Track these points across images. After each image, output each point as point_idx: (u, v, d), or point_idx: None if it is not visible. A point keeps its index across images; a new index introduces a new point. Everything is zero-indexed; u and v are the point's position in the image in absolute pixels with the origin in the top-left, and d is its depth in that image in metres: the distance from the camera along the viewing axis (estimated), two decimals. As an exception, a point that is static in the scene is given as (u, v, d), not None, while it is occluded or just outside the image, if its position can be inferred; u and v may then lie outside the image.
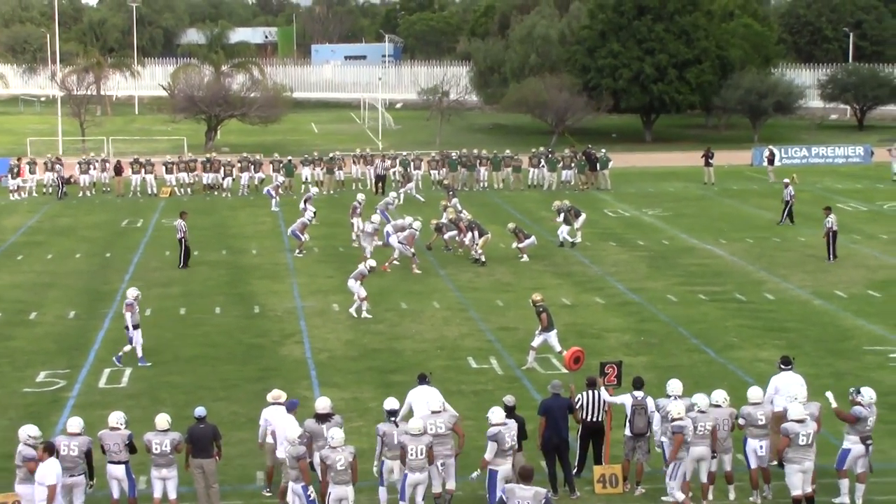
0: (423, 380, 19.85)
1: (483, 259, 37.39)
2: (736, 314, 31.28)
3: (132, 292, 27.17)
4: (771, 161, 60.16)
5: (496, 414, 18.08)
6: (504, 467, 17.78)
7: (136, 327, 26.62)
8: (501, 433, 17.77)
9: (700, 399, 18.62)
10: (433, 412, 18.28)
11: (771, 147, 62.59)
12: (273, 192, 50.06)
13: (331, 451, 17.23)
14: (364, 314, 30.95)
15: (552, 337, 26.04)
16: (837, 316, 31.10)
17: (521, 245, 38.37)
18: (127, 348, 26.63)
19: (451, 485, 18.20)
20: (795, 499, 18.03)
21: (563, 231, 40.49)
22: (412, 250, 36.92)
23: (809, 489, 18.07)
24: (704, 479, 18.50)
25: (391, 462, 18.04)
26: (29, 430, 17.42)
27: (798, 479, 17.96)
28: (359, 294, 31.03)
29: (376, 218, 38.67)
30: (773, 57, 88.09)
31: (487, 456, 17.81)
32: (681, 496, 18.18)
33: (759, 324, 30.19)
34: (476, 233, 38.10)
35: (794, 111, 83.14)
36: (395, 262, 36.89)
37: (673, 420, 18.19)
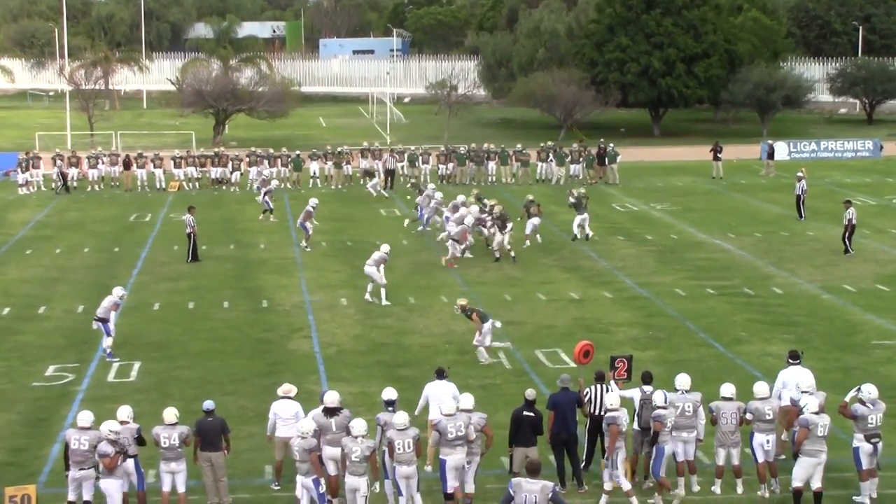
0: (440, 374, 19.92)
1: (499, 256, 37.11)
2: (744, 308, 31.27)
3: (120, 291, 27.60)
4: (771, 156, 59.98)
5: (445, 404, 18.28)
6: (453, 457, 17.79)
7: (104, 321, 26.72)
8: (443, 423, 17.87)
9: (658, 396, 18.68)
10: (447, 415, 18.22)
11: (770, 142, 62.42)
12: (262, 187, 49.75)
13: (351, 440, 17.35)
14: (384, 301, 31.29)
15: (487, 328, 26.02)
16: (846, 310, 31.07)
17: (527, 232, 38.33)
18: (109, 341, 26.76)
19: (469, 488, 18.20)
20: (797, 490, 17.98)
21: (577, 222, 40.54)
22: (461, 247, 36.62)
23: (819, 484, 18.03)
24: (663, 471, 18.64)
25: None
26: (111, 425, 17.46)
27: (807, 472, 17.91)
28: (380, 280, 31.49)
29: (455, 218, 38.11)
30: (781, 51, 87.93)
31: (430, 443, 17.90)
32: (627, 485, 18.24)
33: (768, 318, 30.18)
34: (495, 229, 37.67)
35: (802, 105, 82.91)
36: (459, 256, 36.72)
37: (607, 411, 18.34)
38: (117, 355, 26.70)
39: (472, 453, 18.16)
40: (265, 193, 46.07)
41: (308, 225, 39.43)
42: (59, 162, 54.71)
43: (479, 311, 26.19)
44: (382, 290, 31.74)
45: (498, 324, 26.63)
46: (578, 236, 40.47)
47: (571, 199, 41.02)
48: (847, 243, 37.92)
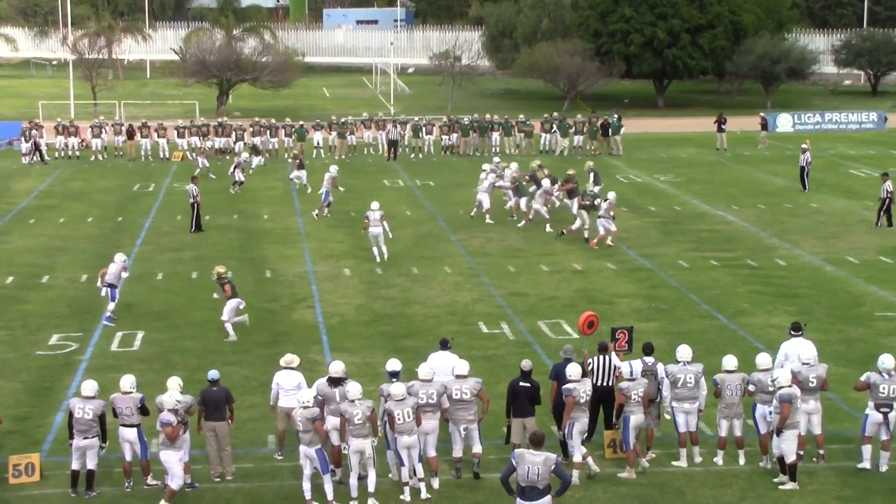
0: (444, 345, 19.96)
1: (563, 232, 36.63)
2: (747, 280, 31.27)
3: (122, 256, 27.96)
4: (764, 127, 59.67)
5: (422, 370, 18.50)
6: (423, 423, 18.02)
7: (113, 286, 27.24)
8: (415, 387, 18.18)
9: (625, 368, 18.87)
10: (422, 380, 18.36)
11: (763, 114, 62.15)
12: (200, 158, 49.30)
13: (349, 405, 17.48)
14: (385, 256, 33.02)
15: (234, 304, 26.30)
16: (849, 282, 31.07)
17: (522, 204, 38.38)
18: (112, 305, 27.12)
19: (477, 448, 18.49)
20: (791, 465, 18.02)
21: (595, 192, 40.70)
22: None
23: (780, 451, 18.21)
24: (635, 443, 18.72)
25: None
26: (175, 395, 17.48)
27: (794, 443, 17.99)
28: (381, 240, 33.18)
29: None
30: (786, 22, 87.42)
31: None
32: (579, 457, 18.32)
33: (771, 290, 30.18)
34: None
35: (807, 77, 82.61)
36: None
37: (568, 381, 18.40)
38: (120, 325, 26.79)
39: (469, 420, 18.37)
40: (234, 167, 45.65)
41: (329, 192, 40.18)
42: (34, 132, 54.60)
43: (232, 284, 26.40)
44: (384, 248, 32.89)
45: (242, 304, 26.73)
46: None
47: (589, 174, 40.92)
48: (887, 217, 37.70)
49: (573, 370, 18.51)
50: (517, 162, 43.27)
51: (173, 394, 17.52)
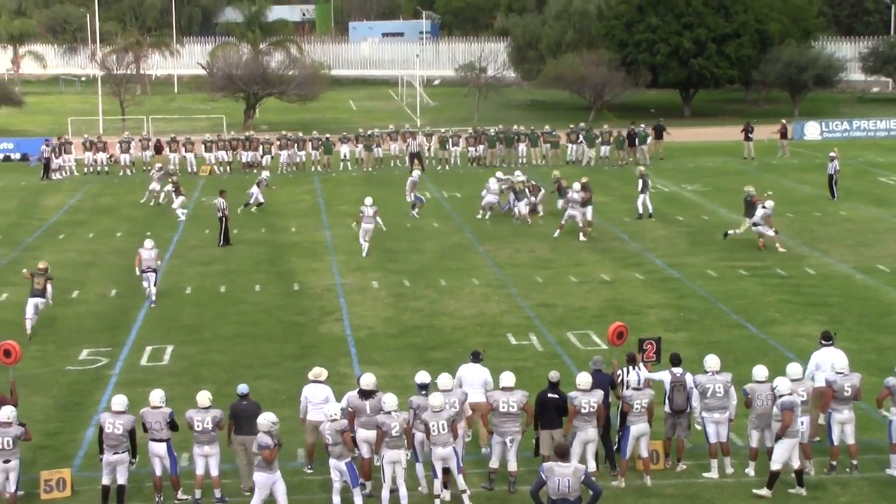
0: (475, 357, 19.91)
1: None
2: (777, 289, 31.10)
3: (150, 243, 30.61)
4: (784, 135, 59.29)
5: (441, 380, 18.52)
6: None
7: (155, 271, 30.17)
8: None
9: (632, 377, 18.79)
10: (443, 390, 18.31)
11: (784, 121, 61.79)
12: (155, 185, 46.82)
13: (386, 416, 17.49)
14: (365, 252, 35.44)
15: (31, 303, 27.54)
16: (880, 291, 30.86)
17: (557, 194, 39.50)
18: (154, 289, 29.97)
19: (513, 467, 18.36)
20: (776, 472, 17.89)
21: (640, 200, 41.54)
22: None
23: (799, 462, 18.07)
24: (645, 453, 18.61)
25: (423, 434, 18.09)
26: (271, 417, 17.40)
27: (788, 453, 17.89)
28: (369, 235, 35.55)
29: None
30: (812, 30, 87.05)
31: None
32: (592, 465, 18.25)
33: (800, 299, 30.01)
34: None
35: (834, 85, 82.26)
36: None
37: (577, 389, 18.35)
38: (150, 339, 26.93)
39: (515, 431, 18.30)
40: (257, 183, 44.66)
41: (418, 194, 42.30)
42: (43, 147, 55.01)
43: (35, 283, 27.67)
44: (368, 244, 35.19)
45: (39, 305, 27.90)
46: (642, 216, 41.33)
47: (640, 179, 41.85)
48: None
49: (582, 379, 18.43)
50: (544, 172, 43.25)
51: (269, 416, 17.37)
